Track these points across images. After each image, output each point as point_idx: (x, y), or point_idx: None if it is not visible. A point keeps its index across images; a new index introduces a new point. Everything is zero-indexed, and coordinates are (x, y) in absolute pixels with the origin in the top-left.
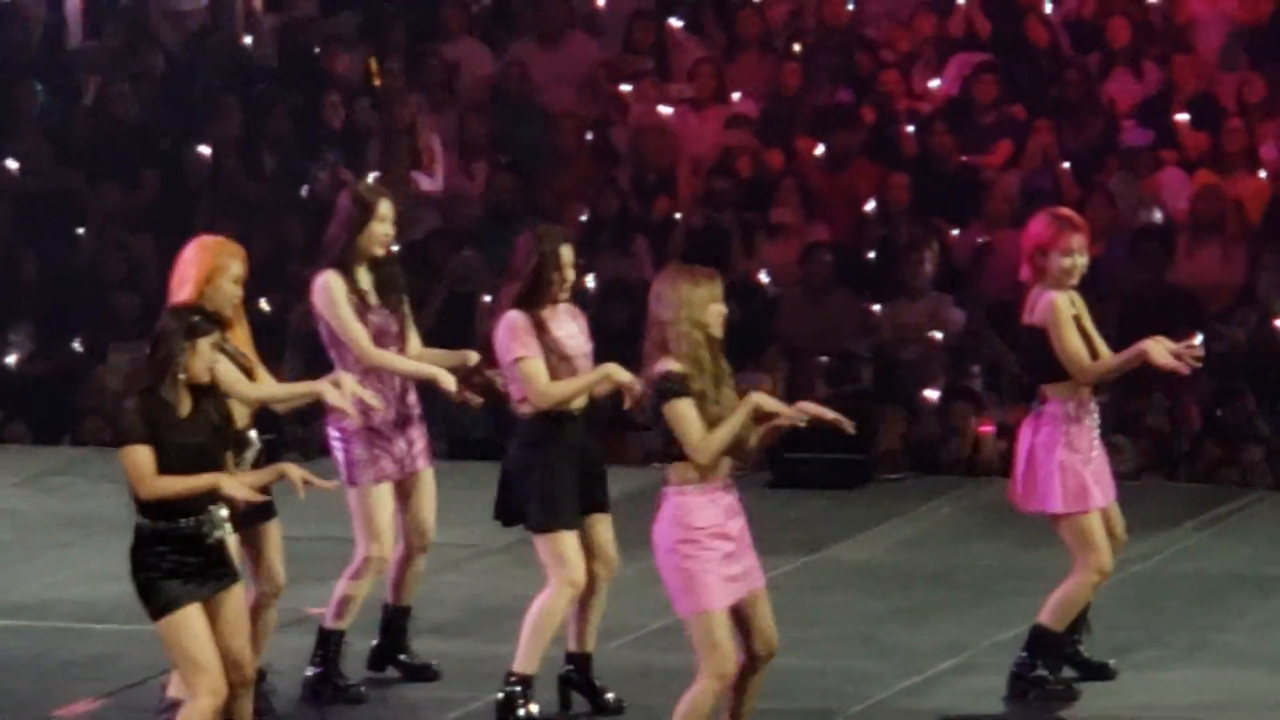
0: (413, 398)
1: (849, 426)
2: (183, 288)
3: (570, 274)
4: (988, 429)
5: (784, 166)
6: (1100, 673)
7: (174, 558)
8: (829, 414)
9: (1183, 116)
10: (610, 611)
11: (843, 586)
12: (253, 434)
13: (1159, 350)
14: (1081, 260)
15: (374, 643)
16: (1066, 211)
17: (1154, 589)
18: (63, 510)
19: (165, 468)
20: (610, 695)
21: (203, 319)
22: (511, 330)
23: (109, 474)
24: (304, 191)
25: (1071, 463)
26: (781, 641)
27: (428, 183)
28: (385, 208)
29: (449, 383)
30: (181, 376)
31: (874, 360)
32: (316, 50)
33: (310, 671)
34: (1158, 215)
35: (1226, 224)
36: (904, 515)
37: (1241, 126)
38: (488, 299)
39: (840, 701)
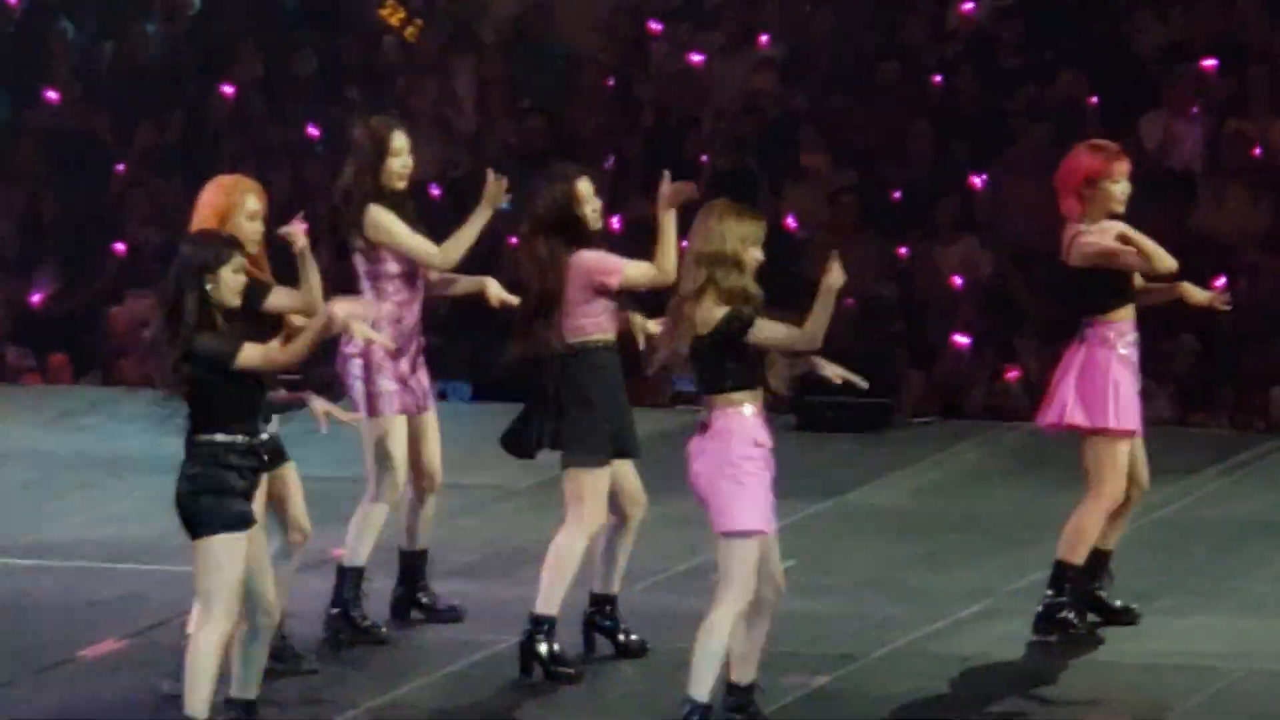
0: (421, 339)
1: (860, 383)
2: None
3: (598, 205)
4: (1014, 374)
5: (810, 110)
6: (1123, 617)
7: (243, 475)
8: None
9: (1210, 61)
10: (635, 553)
11: (866, 531)
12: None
13: (1193, 290)
14: (1128, 187)
15: (396, 589)
16: (1103, 141)
17: (1177, 535)
18: (89, 450)
19: (220, 395)
20: (634, 637)
21: (223, 244)
22: (595, 262)
23: (136, 414)
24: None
25: (1125, 380)
26: (804, 585)
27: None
28: (399, 140)
29: (497, 289)
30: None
31: (901, 304)
32: None
33: (332, 611)
34: (1184, 160)
35: (1253, 169)
36: (928, 460)
37: (1267, 73)
38: (514, 241)
39: (862, 646)
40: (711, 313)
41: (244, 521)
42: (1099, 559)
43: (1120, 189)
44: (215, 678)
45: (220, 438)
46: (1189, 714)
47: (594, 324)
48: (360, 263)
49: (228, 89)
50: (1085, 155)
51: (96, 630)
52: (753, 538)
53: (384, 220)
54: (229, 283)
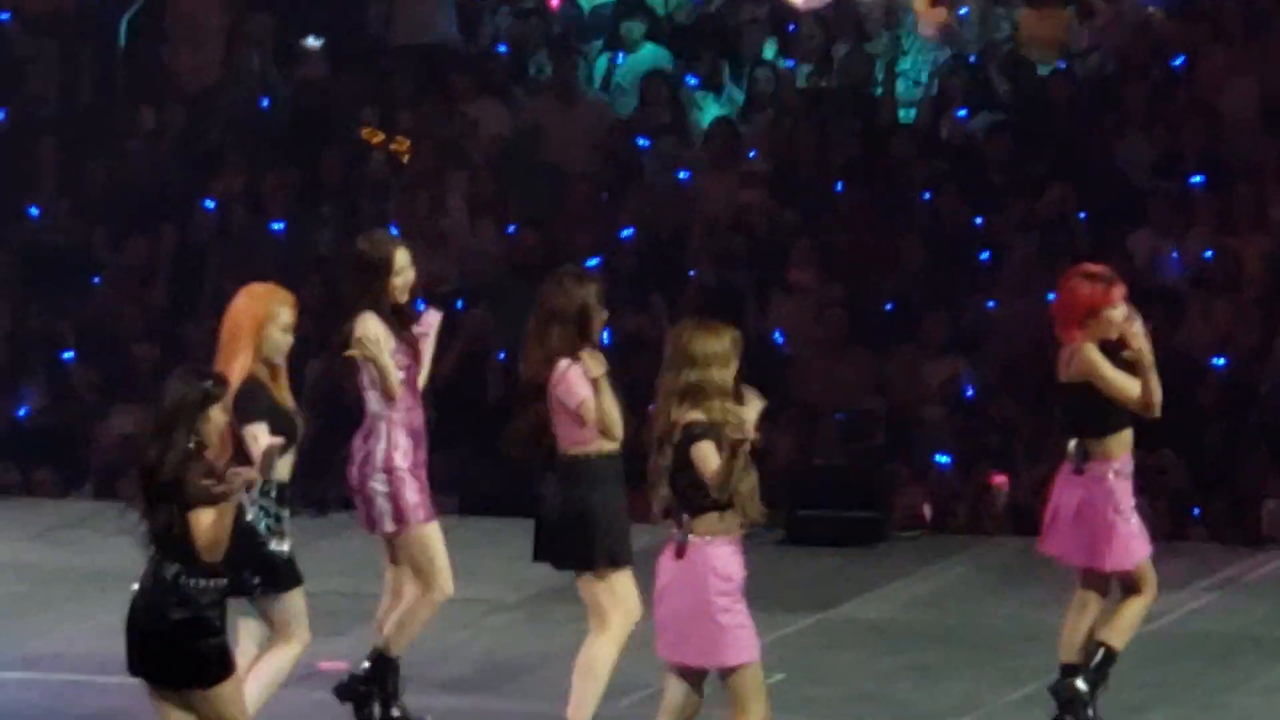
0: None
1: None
2: (234, 338)
3: (604, 314)
4: (1000, 479)
5: (798, 225)
6: None
7: (219, 615)
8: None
9: (1197, 179)
10: (623, 667)
11: (855, 644)
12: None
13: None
14: (1126, 309)
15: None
16: (1094, 267)
17: (1166, 649)
18: (77, 563)
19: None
20: None
21: (213, 383)
22: (576, 377)
23: (123, 528)
24: (307, 248)
25: (1120, 525)
26: (793, 700)
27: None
28: (401, 258)
29: None
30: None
31: (888, 419)
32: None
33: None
34: (1172, 275)
35: (1240, 287)
36: (917, 574)
37: (1251, 190)
38: (501, 357)
39: None
40: (693, 415)
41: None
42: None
43: (1120, 314)
44: None
45: (211, 583)
46: None
47: (585, 434)
48: (364, 375)
49: (210, 203)
50: (1084, 286)
51: None
52: (755, 663)
53: (373, 333)
54: (216, 422)
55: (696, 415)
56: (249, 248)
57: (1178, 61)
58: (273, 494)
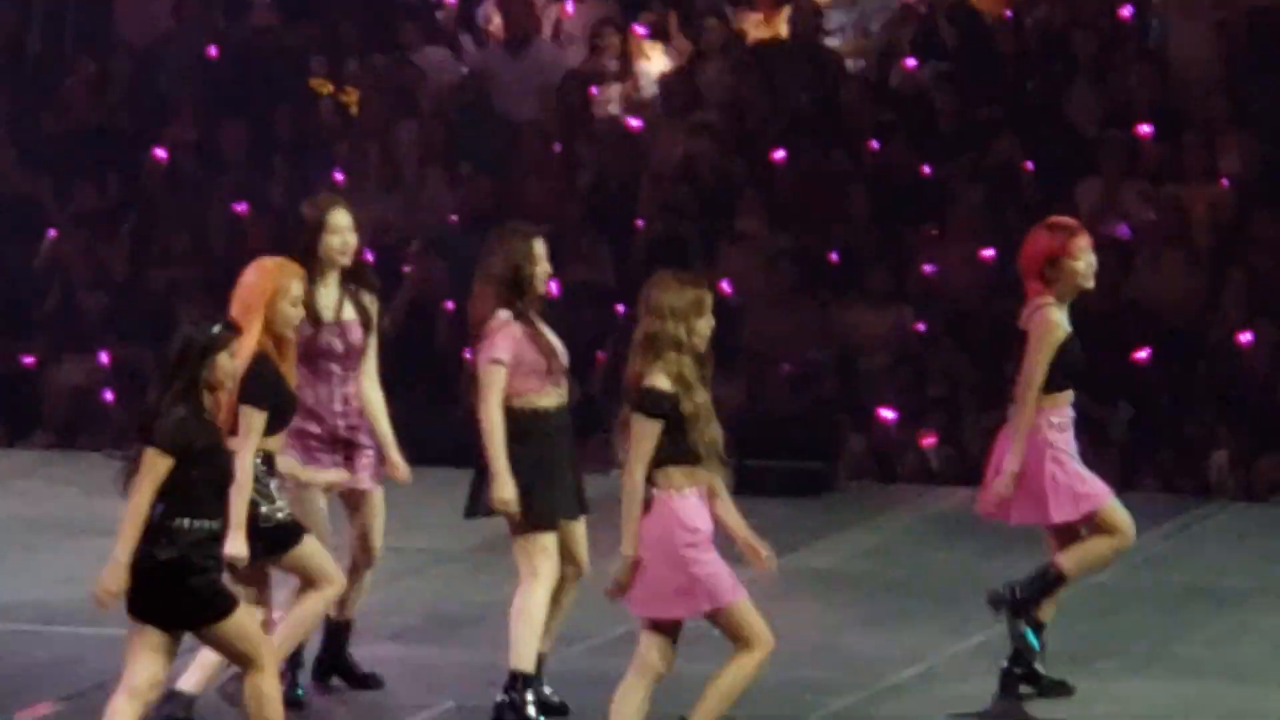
0: (355, 419)
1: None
2: (245, 311)
3: (546, 268)
4: (930, 441)
5: (747, 175)
6: (1059, 688)
7: (216, 559)
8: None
9: (1146, 128)
10: (573, 616)
11: (803, 595)
12: None
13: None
14: (1093, 260)
15: (319, 654)
16: (1061, 218)
17: (1114, 599)
18: (24, 513)
19: (193, 473)
20: (556, 698)
21: (222, 328)
22: (502, 333)
23: (70, 477)
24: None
25: (1059, 469)
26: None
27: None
28: (338, 218)
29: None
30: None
31: (837, 369)
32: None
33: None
34: (1122, 227)
35: (1189, 237)
36: (865, 524)
37: (1201, 140)
38: (450, 306)
39: (799, 710)
40: (655, 381)
41: (235, 601)
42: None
43: (1084, 265)
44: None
45: (201, 524)
46: None
47: (519, 387)
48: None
49: (161, 152)
50: (1044, 236)
51: (31, 693)
52: (734, 602)
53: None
54: (224, 366)
55: (658, 380)
56: (200, 198)
57: (1127, 11)
58: (260, 463)
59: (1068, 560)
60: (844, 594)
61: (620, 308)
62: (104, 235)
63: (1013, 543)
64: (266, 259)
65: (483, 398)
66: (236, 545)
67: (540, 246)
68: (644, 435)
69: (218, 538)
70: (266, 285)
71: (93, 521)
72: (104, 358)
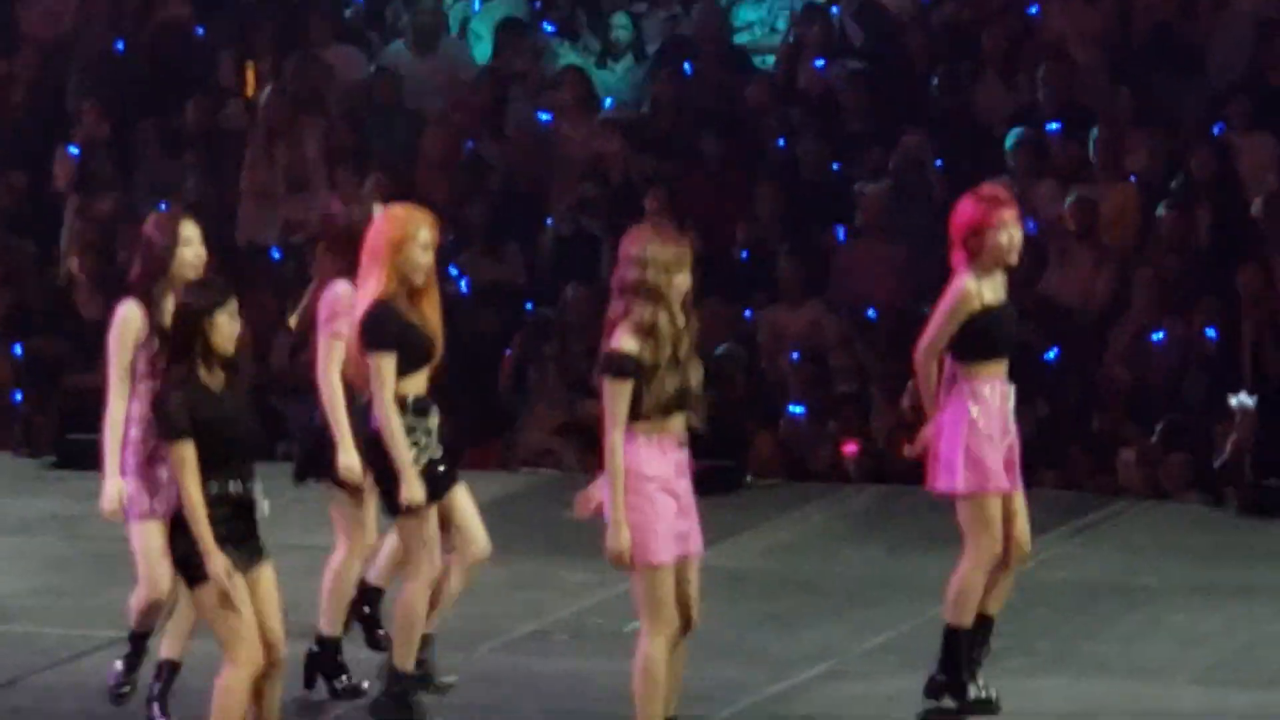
0: None
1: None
2: (373, 260)
3: (429, 256)
4: (851, 450)
5: (654, 173)
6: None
7: (225, 524)
8: None
9: (1053, 126)
10: (480, 615)
11: (712, 593)
12: None
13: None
14: (1016, 234)
15: None
16: (990, 189)
17: (1023, 596)
18: None
19: (207, 444)
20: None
21: (217, 289)
22: (335, 300)
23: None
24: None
25: (973, 442)
26: None
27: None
28: (189, 230)
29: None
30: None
31: (747, 368)
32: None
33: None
34: (1030, 225)
35: (1097, 235)
36: (775, 521)
37: (1110, 137)
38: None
39: (708, 708)
40: (620, 342)
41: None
42: (980, 624)
43: (1005, 236)
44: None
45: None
46: None
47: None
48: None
49: (73, 149)
50: (968, 205)
51: None
52: (653, 569)
53: (124, 328)
54: (223, 328)
55: (624, 341)
56: (107, 194)
57: (1033, 10)
58: (408, 407)
59: (947, 611)
60: (753, 592)
61: (529, 306)
62: (11, 231)
63: (921, 541)
64: (395, 206)
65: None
66: (412, 491)
67: (427, 234)
68: (613, 396)
69: (215, 502)
70: (394, 232)
71: (2, 520)
72: (12, 354)
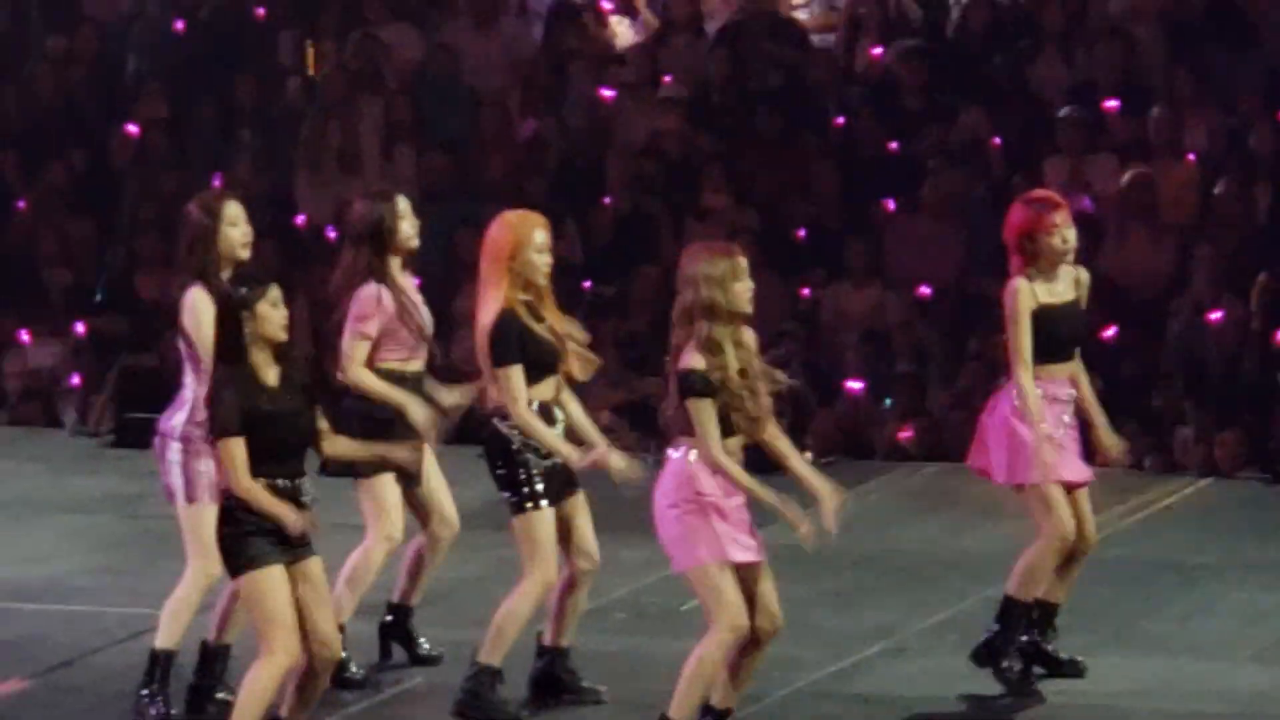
0: None
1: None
2: (493, 266)
3: (409, 228)
4: (906, 434)
5: (713, 150)
6: (1069, 668)
7: (253, 519)
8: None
9: (1112, 103)
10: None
11: (771, 571)
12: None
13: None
14: (1070, 234)
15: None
16: (1040, 192)
17: (1082, 575)
18: None
19: (260, 436)
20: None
21: (254, 280)
22: (365, 301)
23: (38, 455)
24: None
25: (1022, 434)
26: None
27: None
28: (233, 210)
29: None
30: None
31: (806, 346)
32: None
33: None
34: (1087, 203)
35: (1156, 213)
36: None
37: (1169, 114)
38: (418, 281)
39: (766, 686)
40: (688, 362)
41: (264, 559)
42: (1045, 611)
43: (1059, 240)
44: (266, 708)
45: None
46: None
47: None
48: (183, 347)
49: (132, 128)
50: (1020, 210)
51: (1, 671)
52: (706, 566)
53: (201, 311)
54: (269, 317)
55: (691, 359)
56: (167, 174)
57: None
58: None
59: (1013, 585)
60: (810, 570)
61: (587, 284)
62: (71, 212)
63: (979, 518)
64: (509, 213)
65: (352, 370)
66: (569, 452)
67: (404, 203)
68: (701, 417)
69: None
70: (508, 238)
71: (60, 500)
72: (72, 334)
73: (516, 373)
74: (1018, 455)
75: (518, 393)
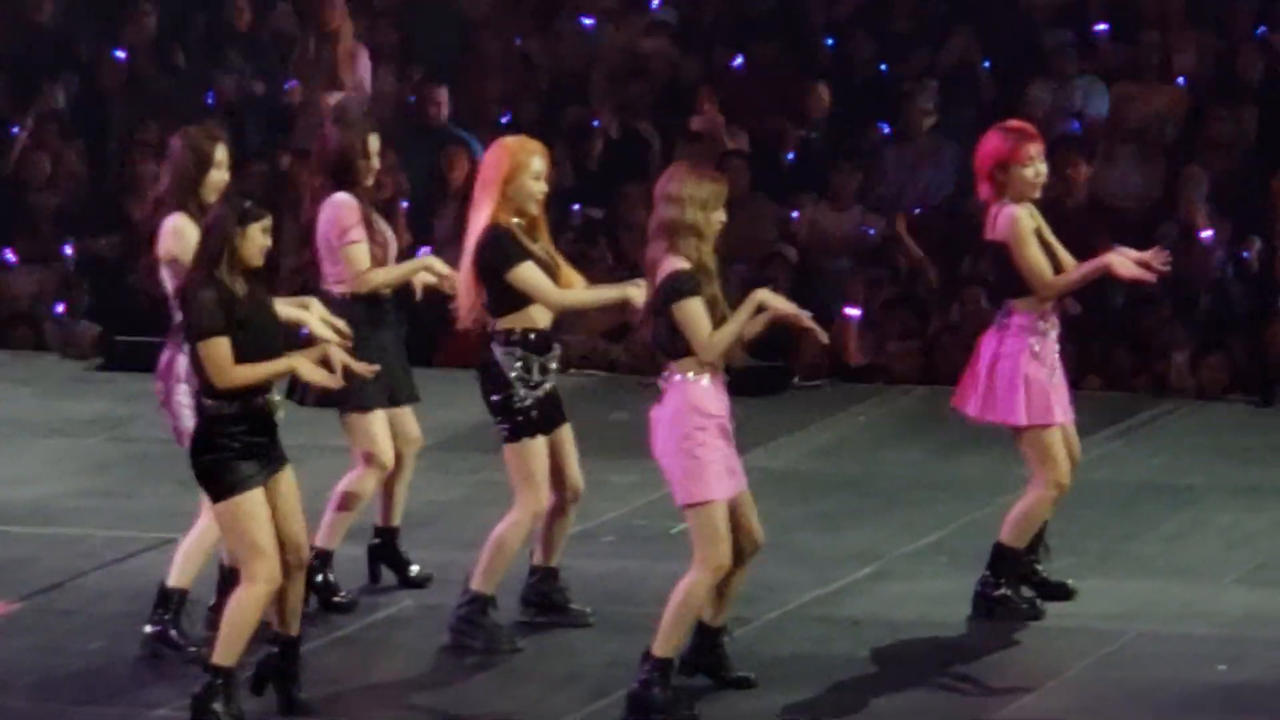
0: None
1: (821, 336)
2: (486, 189)
3: (375, 163)
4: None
5: (702, 73)
6: (1059, 591)
7: (245, 438)
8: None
9: (1101, 26)
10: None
11: (758, 493)
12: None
13: (1121, 262)
14: (1042, 168)
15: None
16: (1017, 123)
17: (1068, 498)
18: None
19: (236, 343)
20: (416, 569)
21: (254, 204)
22: (345, 211)
23: (25, 378)
24: (209, 97)
25: (1037, 376)
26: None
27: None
28: (220, 154)
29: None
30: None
31: (796, 268)
32: None
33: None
34: (1075, 125)
35: (1145, 135)
36: (821, 422)
37: (1158, 38)
38: (405, 205)
39: (754, 608)
40: (674, 265)
41: (247, 483)
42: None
43: (1031, 171)
44: (251, 633)
45: (218, 404)
46: (1080, 676)
47: (338, 273)
48: (168, 277)
49: (120, 53)
50: (995, 139)
51: None
52: (711, 506)
53: (188, 233)
54: (255, 239)
55: (679, 262)
56: (155, 96)
57: None
58: (520, 342)
59: (1007, 534)
60: (798, 492)
61: (576, 207)
62: (62, 136)
63: (967, 442)
64: (508, 138)
65: (357, 276)
66: (628, 291)
67: (374, 141)
68: (692, 316)
69: (239, 418)
70: (505, 162)
71: (48, 423)
72: (62, 256)
73: (529, 269)
74: (1033, 396)
75: (542, 286)
